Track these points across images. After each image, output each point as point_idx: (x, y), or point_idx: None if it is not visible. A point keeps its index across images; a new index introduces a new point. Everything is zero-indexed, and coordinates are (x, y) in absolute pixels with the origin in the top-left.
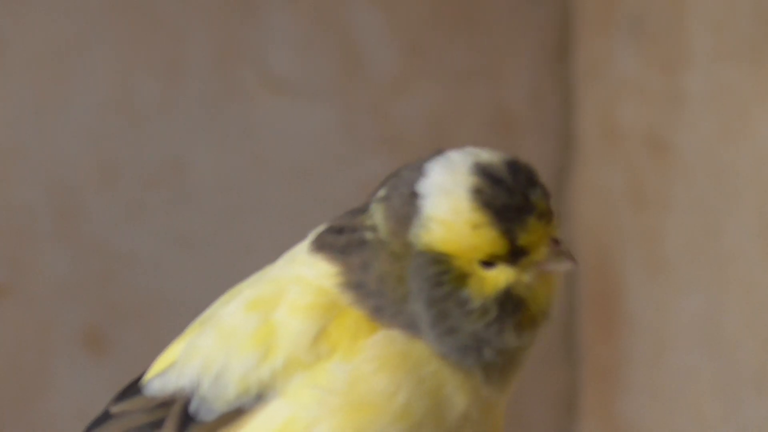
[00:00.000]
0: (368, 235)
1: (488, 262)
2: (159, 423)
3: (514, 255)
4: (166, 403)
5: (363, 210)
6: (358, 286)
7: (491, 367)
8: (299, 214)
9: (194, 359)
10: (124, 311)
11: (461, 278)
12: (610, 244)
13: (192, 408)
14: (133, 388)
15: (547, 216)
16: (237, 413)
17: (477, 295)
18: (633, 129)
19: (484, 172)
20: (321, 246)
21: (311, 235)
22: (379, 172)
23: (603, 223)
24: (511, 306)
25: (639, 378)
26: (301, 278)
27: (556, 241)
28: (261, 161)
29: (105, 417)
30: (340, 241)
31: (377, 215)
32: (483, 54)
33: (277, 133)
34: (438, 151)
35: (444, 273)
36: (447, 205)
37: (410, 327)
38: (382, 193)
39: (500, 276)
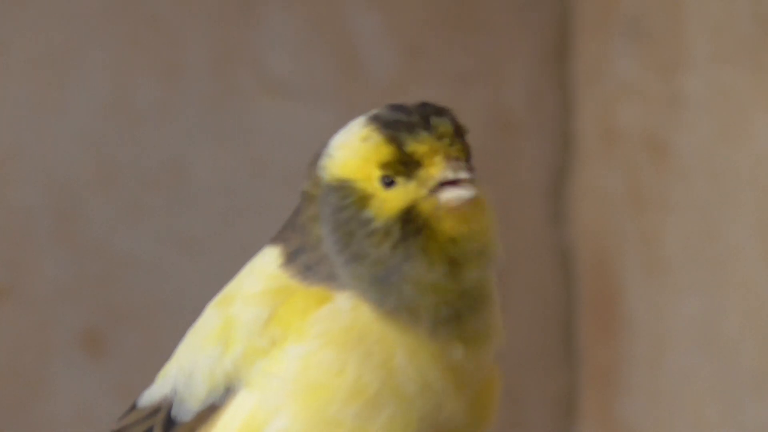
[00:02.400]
0: (299, 203)
1: (389, 183)
2: (149, 431)
3: (407, 166)
4: (153, 412)
5: None
6: (293, 255)
7: (434, 317)
8: None
9: (174, 365)
10: (123, 313)
11: (363, 200)
12: (609, 245)
13: (173, 411)
14: (131, 407)
15: (449, 138)
16: (211, 410)
17: (379, 215)
18: (632, 131)
19: (389, 105)
20: (274, 237)
21: None
22: None
23: (602, 224)
24: (414, 227)
25: (638, 379)
26: (254, 269)
27: (457, 160)
28: (260, 163)
29: None
30: (283, 225)
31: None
32: (482, 56)
33: (276, 135)
34: None
35: (346, 197)
36: (346, 131)
37: (332, 278)
38: None
39: (400, 193)
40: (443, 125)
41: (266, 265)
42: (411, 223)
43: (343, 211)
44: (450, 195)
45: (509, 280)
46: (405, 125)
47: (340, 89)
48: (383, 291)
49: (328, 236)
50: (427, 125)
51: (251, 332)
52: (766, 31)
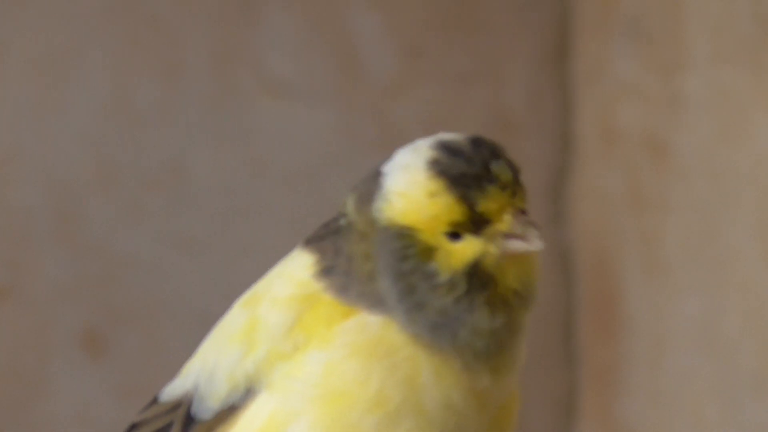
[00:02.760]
0: (341, 221)
1: (454, 235)
2: (168, 427)
3: (477, 224)
4: (174, 407)
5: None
6: (330, 271)
7: (472, 352)
8: (298, 217)
9: (196, 362)
10: (123, 313)
11: (427, 252)
12: (609, 246)
13: (193, 409)
14: (152, 400)
15: (511, 187)
16: (230, 410)
17: (444, 269)
18: (632, 131)
19: (443, 146)
20: (308, 240)
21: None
22: None
23: (602, 225)
24: (480, 280)
25: (638, 380)
26: (284, 272)
27: (523, 212)
28: (260, 164)
29: (131, 428)
30: (321, 233)
31: (349, 201)
32: (482, 56)
33: (276, 135)
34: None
35: (409, 246)
36: (405, 177)
37: (379, 305)
38: (356, 183)
39: (467, 248)
40: (504, 173)
41: (298, 271)
42: (476, 277)
43: (407, 261)
44: (518, 248)
45: None
46: (472, 179)
47: (340, 89)
48: (437, 333)
49: (389, 284)
50: (490, 176)
51: (275, 335)
52: (766, 31)
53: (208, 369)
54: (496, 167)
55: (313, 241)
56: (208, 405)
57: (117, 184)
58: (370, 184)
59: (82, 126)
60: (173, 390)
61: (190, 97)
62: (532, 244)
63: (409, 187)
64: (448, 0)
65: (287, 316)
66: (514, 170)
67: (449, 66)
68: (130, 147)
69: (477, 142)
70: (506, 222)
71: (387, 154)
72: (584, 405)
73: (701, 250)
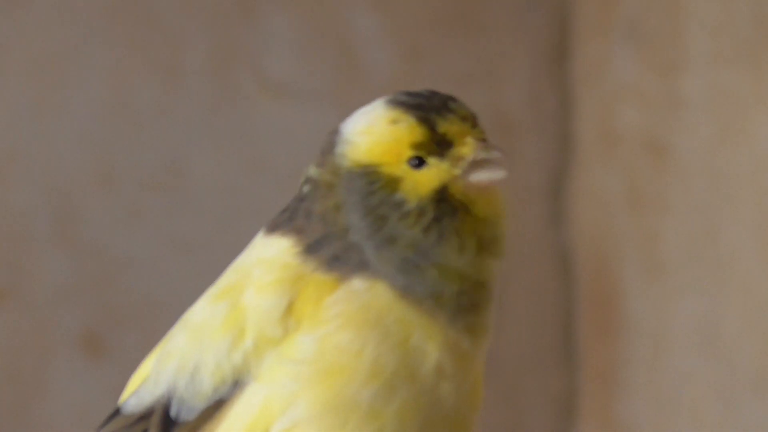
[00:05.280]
0: (304, 189)
1: (419, 163)
2: None
3: (440, 146)
4: (145, 416)
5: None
6: (311, 248)
7: (449, 304)
8: None
9: (168, 365)
10: (122, 315)
11: (393, 183)
12: (608, 246)
13: (173, 412)
14: (114, 412)
15: (470, 120)
16: (217, 405)
17: (411, 197)
18: (631, 132)
19: (401, 93)
20: (273, 227)
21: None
22: None
23: (601, 225)
24: (448, 206)
25: (638, 381)
26: (262, 259)
27: (484, 141)
28: (259, 165)
29: None
30: (286, 215)
31: (309, 169)
32: (481, 57)
33: (276, 136)
34: None
35: (374, 182)
36: (365, 117)
37: (362, 265)
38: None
39: (432, 173)
40: (463, 109)
41: (279, 255)
42: (444, 203)
43: (373, 195)
44: (484, 175)
45: (509, 281)
46: (431, 108)
47: (340, 90)
48: (411, 277)
49: (357, 223)
50: (448, 108)
51: (264, 323)
52: (765, 32)
53: (188, 368)
54: (454, 105)
55: (280, 227)
56: (191, 405)
57: (116, 185)
58: (330, 138)
59: (81, 127)
60: (140, 399)
61: (190, 98)
62: (496, 173)
63: (370, 122)
64: (448, 0)
65: (277, 301)
66: (473, 112)
67: (449, 66)
68: (130, 148)
69: (434, 91)
70: (469, 145)
71: None
72: (584, 405)
73: (701, 251)
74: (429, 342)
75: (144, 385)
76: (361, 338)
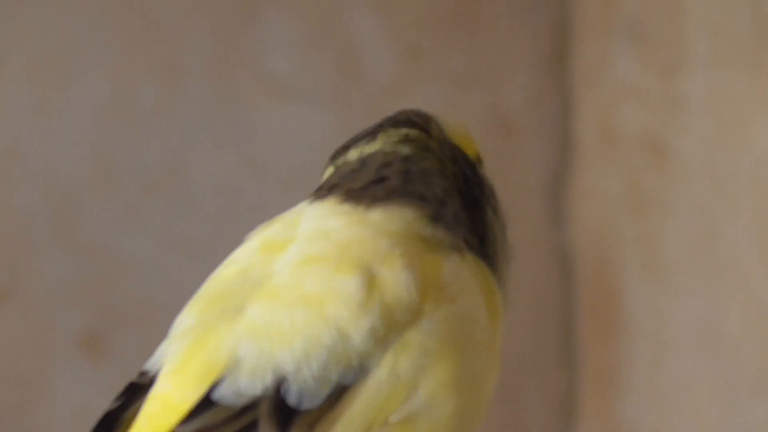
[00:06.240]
0: (402, 151)
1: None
2: (251, 426)
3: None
4: (250, 406)
5: (353, 153)
6: (435, 216)
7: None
8: None
9: (277, 348)
10: (122, 314)
11: (477, 165)
12: (608, 247)
13: (292, 399)
14: (202, 404)
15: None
16: (340, 391)
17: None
18: (631, 132)
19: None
20: (355, 195)
21: (320, 200)
22: None
23: (602, 226)
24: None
25: (638, 381)
26: (386, 231)
27: None
28: (259, 165)
29: None
30: (392, 183)
31: (400, 131)
32: (482, 57)
33: (276, 136)
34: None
35: (466, 161)
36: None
37: (461, 233)
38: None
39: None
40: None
41: (408, 227)
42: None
43: (468, 172)
44: None
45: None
46: None
47: (340, 91)
48: (486, 248)
49: (454, 194)
50: None
51: (396, 305)
52: (765, 33)
53: (311, 352)
54: None
55: (405, 195)
56: (315, 392)
57: (117, 186)
58: (418, 116)
59: (82, 127)
60: (238, 387)
61: (190, 98)
62: None
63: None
64: (448, 1)
65: (408, 284)
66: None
67: (449, 67)
68: (130, 148)
69: None
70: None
71: None
72: (584, 405)
73: (701, 251)
74: (499, 313)
75: (238, 370)
76: (478, 308)
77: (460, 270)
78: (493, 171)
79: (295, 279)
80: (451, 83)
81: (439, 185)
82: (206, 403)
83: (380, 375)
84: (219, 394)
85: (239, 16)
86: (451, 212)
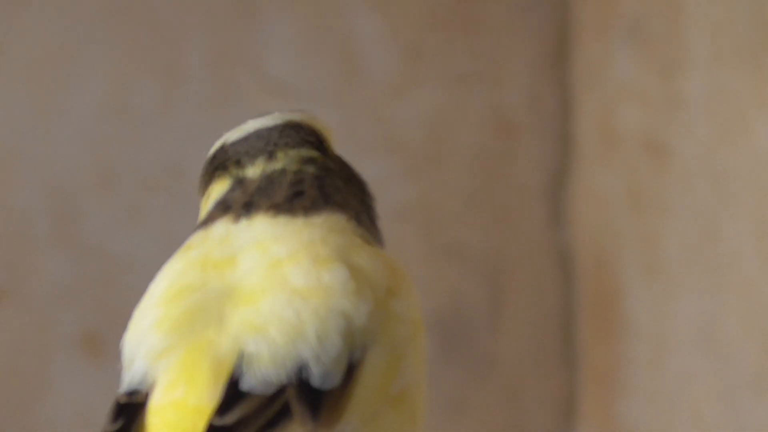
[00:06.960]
0: (309, 170)
1: None
2: (284, 409)
3: None
4: (280, 391)
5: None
6: (356, 217)
7: None
8: None
9: (290, 336)
10: (122, 315)
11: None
12: (608, 247)
13: (316, 381)
14: (234, 396)
15: None
16: (352, 369)
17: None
18: (631, 132)
19: None
20: (288, 207)
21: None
22: (378, 175)
23: (601, 226)
24: None
25: (638, 381)
26: (335, 229)
27: None
28: None
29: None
30: (312, 195)
31: (301, 152)
32: (482, 57)
33: None
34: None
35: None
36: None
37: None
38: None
39: None
40: None
41: (349, 226)
42: None
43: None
44: None
45: (509, 281)
46: None
47: (340, 91)
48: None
49: (357, 200)
50: None
51: (377, 285)
52: (765, 32)
53: (324, 336)
54: None
55: (329, 203)
56: (334, 372)
57: (116, 186)
58: (307, 133)
59: (81, 127)
60: (263, 376)
61: (190, 99)
62: None
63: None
64: (448, 1)
65: (379, 265)
66: None
67: (449, 67)
68: (130, 148)
69: None
70: None
71: (387, 155)
72: (584, 406)
73: (701, 252)
74: None
75: (257, 365)
76: (416, 296)
77: (397, 264)
78: (493, 171)
79: (275, 279)
80: (451, 83)
81: (351, 198)
82: (238, 395)
83: (377, 351)
84: (248, 386)
85: (239, 15)
86: (366, 219)
